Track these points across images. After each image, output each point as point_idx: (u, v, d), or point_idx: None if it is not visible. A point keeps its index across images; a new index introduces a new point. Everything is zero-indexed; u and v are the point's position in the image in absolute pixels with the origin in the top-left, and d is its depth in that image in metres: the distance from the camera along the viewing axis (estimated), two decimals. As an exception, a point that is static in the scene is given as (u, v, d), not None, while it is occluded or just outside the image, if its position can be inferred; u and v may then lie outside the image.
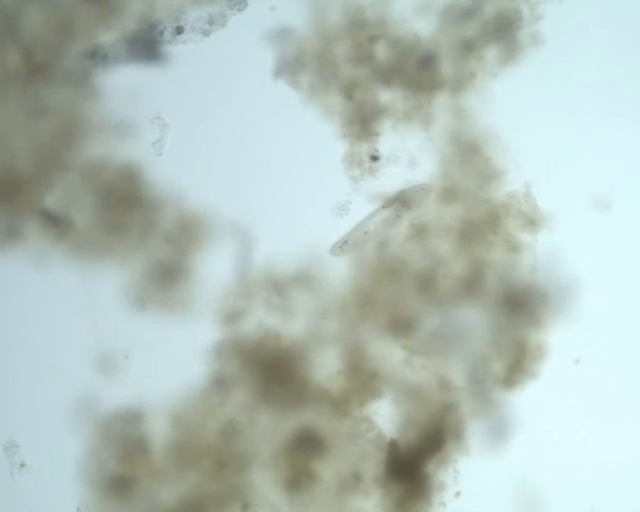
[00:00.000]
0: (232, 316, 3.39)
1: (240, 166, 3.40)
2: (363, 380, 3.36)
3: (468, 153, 3.39)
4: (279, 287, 3.39)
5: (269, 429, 3.35)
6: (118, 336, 3.39)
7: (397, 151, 3.39)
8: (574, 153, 3.39)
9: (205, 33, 3.41)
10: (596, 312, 3.35)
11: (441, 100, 3.40)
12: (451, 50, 3.40)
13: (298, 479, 3.33)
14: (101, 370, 3.39)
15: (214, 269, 3.39)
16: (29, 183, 3.39)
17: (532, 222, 3.37)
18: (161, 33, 3.40)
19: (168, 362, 3.36)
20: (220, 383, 3.38)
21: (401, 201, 3.02)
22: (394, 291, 3.37)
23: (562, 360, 3.34)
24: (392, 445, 3.34)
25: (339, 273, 3.39)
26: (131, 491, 3.37)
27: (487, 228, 3.37)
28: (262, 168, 3.41)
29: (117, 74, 3.42)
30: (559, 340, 3.34)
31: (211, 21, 3.41)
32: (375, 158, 3.30)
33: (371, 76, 3.40)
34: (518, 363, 3.34)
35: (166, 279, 3.40)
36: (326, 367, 3.37)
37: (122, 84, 3.41)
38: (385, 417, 3.35)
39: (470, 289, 3.36)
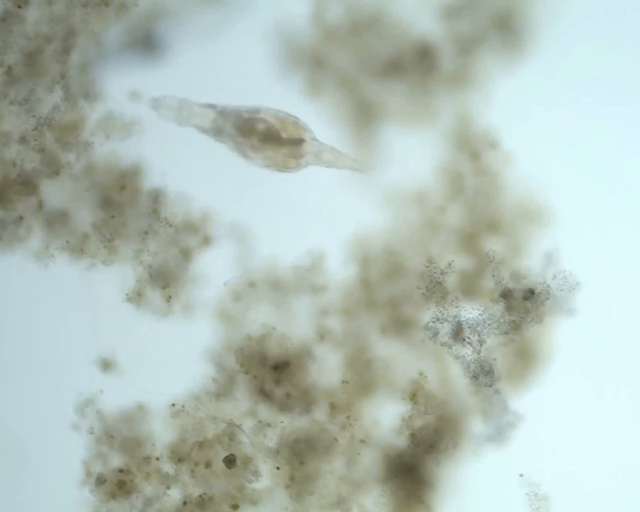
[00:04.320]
0: (232, 317, 3.39)
1: (239, 165, 3.40)
2: (364, 380, 3.36)
3: (470, 152, 3.38)
4: (280, 287, 3.39)
5: (269, 430, 3.35)
6: (118, 335, 3.39)
7: (397, 149, 3.38)
8: (576, 152, 3.38)
9: (205, 33, 3.41)
10: (597, 311, 3.34)
11: (442, 98, 3.40)
12: (452, 48, 3.40)
13: (298, 481, 3.34)
14: (101, 370, 3.39)
15: (214, 269, 3.39)
16: (30, 182, 3.39)
17: (533, 222, 3.36)
18: (160, 33, 3.40)
19: (168, 362, 3.36)
20: (220, 383, 3.38)
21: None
22: (396, 290, 3.37)
23: (564, 359, 3.34)
24: (393, 445, 3.34)
25: (339, 273, 3.39)
26: (132, 492, 3.38)
27: (488, 227, 3.37)
28: (261, 168, 3.41)
29: (117, 74, 3.42)
30: (560, 340, 3.34)
31: (211, 21, 3.41)
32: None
33: (371, 74, 3.40)
34: (519, 362, 3.34)
35: (167, 278, 3.40)
36: (326, 366, 3.37)
37: (122, 84, 3.41)
38: (384, 416, 3.35)
39: (471, 288, 3.35)
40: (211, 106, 3.13)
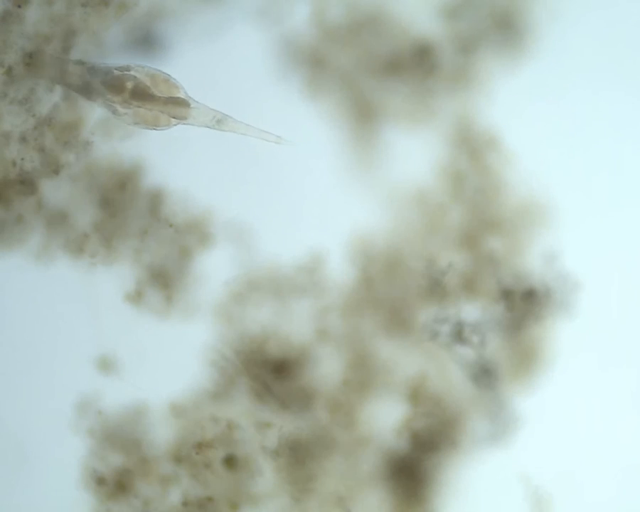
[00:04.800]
0: (232, 317, 3.39)
1: (239, 164, 3.40)
2: (364, 380, 3.36)
3: (470, 151, 3.38)
4: (280, 286, 3.39)
5: (269, 430, 3.36)
6: (118, 335, 3.39)
7: (397, 149, 3.38)
8: (577, 151, 3.38)
9: (205, 33, 3.41)
10: (598, 311, 3.34)
11: (442, 98, 3.40)
12: (452, 47, 3.40)
13: (298, 482, 3.34)
14: (101, 371, 3.39)
15: (214, 269, 3.39)
16: (30, 182, 3.40)
17: (533, 221, 3.36)
18: (160, 33, 3.40)
19: (168, 362, 3.36)
20: (220, 383, 3.38)
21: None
22: (395, 290, 3.37)
23: (564, 360, 3.34)
24: (393, 445, 3.34)
25: (339, 273, 3.39)
26: (132, 492, 3.38)
27: (488, 226, 3.37)
28: (261, 167, 3.41)
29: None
30: (560, 340, 3.34)
31: (211, 21, 3.41)
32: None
33: (371, 74, 3.40)
34: (520, 362, 3.34)
35: (167, 278, 3.40)
36: (326, 366, 3.37)
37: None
38: (384, 417, 3.35)
39: (471, 288, 3.35)
40: (81, 62, 3.12)
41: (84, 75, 3.06)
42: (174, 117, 3.06)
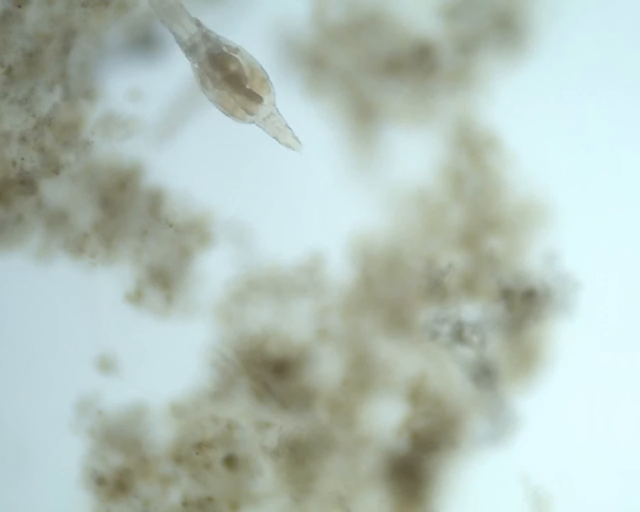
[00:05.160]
0: (232, 317, 3.39)
1: (239, 164, 3.40)
2: (364, 380, 3.36)
3: (470, 151, 3.38)
4: (280, 286, 3.39)
5: (269, 430, 3.35)
6: (118, 335, 3.39)
7: (397, 149, 3.39)
8: (577, 151, 3.38)
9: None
10: (597, 311, 3.34)
11: (442, 98, 3.40)
12: (452, 47, 3.40)
13: (298, 481, 3.34)
14: (101, 371, 3.39)
15: (214, 269, 3.39)
16: (30, 182, 3.40)
17: (533, 221, 3.36)
18: (160, 33, 3.40)
19: (168, 362, 3.36)
20: (220, 383, 3.38)
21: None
22: (395, 290, 3.37)
23: (564, 359, 3.34)
24: (393, 445, 3.34)
25: (339, 273, 3.39)
26: (132, 492, 3.37)
27: (488, 226, 3.37)
28: (261, 167, 3.41)
29: (117, 74, 3.42)
30: (560, 340, 3.34)
31: (211, 21, 3.41)
32: None
33: (371, 73, 3.40)
34: (520, 362, 3.34)
35: (167, 278, 3.40)
36: (326, 366, 3.37)
37: (122, 84, 3.41)
38: (385, 417, 3.35)
39: (471, 288, 3.35)
40: (198, 23, 3.12)
41: (196, 36, 3.05)
42: (245, 109, 3.04)
